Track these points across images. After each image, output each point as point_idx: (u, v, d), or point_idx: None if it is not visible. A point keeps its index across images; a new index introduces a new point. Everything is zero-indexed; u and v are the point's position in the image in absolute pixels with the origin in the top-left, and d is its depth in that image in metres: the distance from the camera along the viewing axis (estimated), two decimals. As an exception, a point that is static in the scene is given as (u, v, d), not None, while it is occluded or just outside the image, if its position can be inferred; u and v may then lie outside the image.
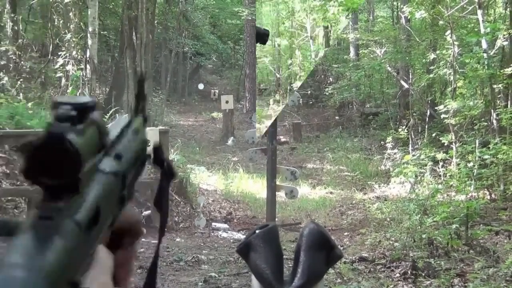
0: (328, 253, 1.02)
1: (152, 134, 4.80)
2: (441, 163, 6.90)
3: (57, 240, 0.34)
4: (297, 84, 11.09)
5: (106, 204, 0.44)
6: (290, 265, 0.99)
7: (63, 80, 8.71)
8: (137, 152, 0.51)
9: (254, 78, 11.12)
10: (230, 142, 10.77)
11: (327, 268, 1.06)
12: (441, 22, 8.26)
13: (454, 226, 4.89)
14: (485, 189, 6.18)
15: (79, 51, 8.78)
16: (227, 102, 10.53)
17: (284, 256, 1.02)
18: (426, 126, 8.77)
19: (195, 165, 8.13)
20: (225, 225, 6.09)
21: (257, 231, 1.01)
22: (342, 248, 5.00)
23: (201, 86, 14.74)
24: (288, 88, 13.68)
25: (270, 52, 18.97)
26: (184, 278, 4.13)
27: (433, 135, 8.12)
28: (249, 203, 7.28)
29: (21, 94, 7.63)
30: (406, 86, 9.70)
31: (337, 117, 12.86)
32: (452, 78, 7.36)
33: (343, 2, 8.74)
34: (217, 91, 13.87)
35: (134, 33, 9.72)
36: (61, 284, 0.35)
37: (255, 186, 7.82)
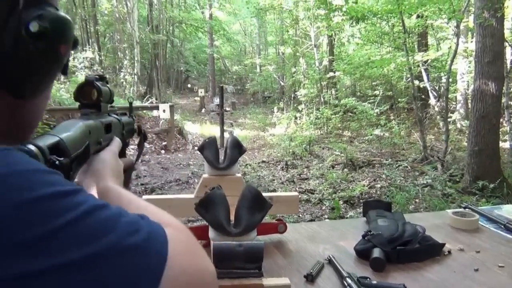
0: (239, 149, 1.53)
1: (166, 107, 9.00)
2: (298, 118, 12.04)
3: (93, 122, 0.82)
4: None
5: (114, 127, 0.95)
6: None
7: (124, 83, 16.33)
8: (129, 123, 1.08)
9: (214, 81, 24.00)
10: (202, 110, 19.32)
11: (239, 156, 1.53)
12: (297, 54, 15.22)
13: (304, 145, 9.58)
14: (318, 129, 11.40)
15: (131, 69, 16.54)
16: (201, 92, 19.75)
17: (219, 152, 1.55)
18: (291, 102, 15.01)
19: (186, 121, 14.66)
20: (201, 148, 10.74)
21: (206, 140, 1.55)
22: (254, 157, 9.46)
23: (189, 85, 27.74)
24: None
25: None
26: (182, 172, 7.83)
27: (295, 105, 13.86)
28: (211, 138, 12.43)
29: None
30: (282, 84, 19.81)
31: (251, 99, 24.19)
32: (303, 79, 12.85)
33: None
34: (196, 87, 24.77)
35: (156, 61, 19.21)
36: (93, 136, 0.80)
37: (214, 130, 12.79)
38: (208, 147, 1.55)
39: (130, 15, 16.10)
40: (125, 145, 1.06)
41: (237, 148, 1.55)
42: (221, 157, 1.59)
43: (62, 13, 0.60)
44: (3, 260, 0.40)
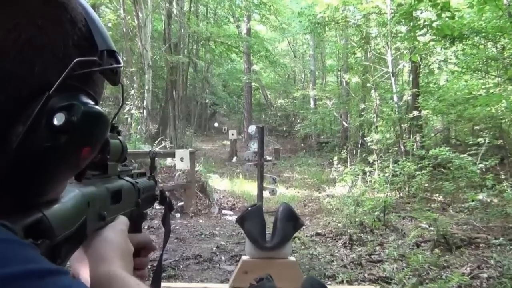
0: (295, 223, 1.70)
1: (185, 154, 9.13)
2: (368, 174, 11.95)
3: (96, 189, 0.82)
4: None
5: (126, 194, 0.98)
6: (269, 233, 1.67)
7: (129, 119, 16.70)
8: (148, 188, 1.14)
9: (250, 119, 25.73)
10: (234, 159, 20.12)
11: (294, 232, 1.74)
12: (368, 84, 14.23)
13: (376, 213, 9.42)
14: (396, 190, 11.29)
15: (139, 101, 16.55)
16: (232, 134, 20.16)
17: (266, 226, 1.70)
18: (359, 150, 15.35)
19: (211, 173, 14.78)
20: (231, 212, 11.28)
21: (249, 208, 1.69)
22: (304, 227, 9.38)
23: (216, 124, 28.70)
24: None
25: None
26: (204, 245, 7.96)
27: (363, 156, 13.88)
28: (246, 198, 13.15)
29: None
30: (346, 125, 19.86)
31: (302, 144, 24.35)
32: (375, 120, 12.95)
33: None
34: (226, 127, 25.63)
35: (174, 91, 19.04)
36: (94, 209, 0.80)
37: (250, 187, 14.03)
38: (251, 218, 1.54)
39: (141, 29, 16.27)
40: (141, 217, 1.09)
41: (292, 221, 1.54)
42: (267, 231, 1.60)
43: (98, 107, 0.64)
44: None
